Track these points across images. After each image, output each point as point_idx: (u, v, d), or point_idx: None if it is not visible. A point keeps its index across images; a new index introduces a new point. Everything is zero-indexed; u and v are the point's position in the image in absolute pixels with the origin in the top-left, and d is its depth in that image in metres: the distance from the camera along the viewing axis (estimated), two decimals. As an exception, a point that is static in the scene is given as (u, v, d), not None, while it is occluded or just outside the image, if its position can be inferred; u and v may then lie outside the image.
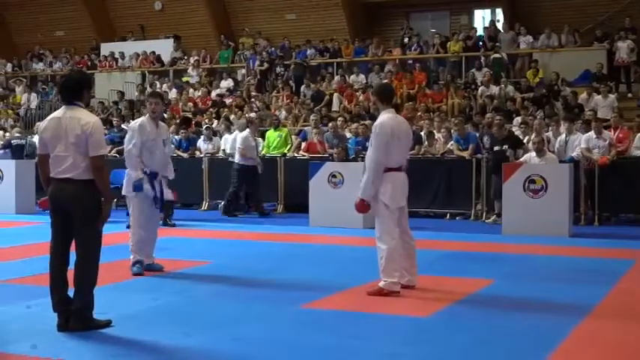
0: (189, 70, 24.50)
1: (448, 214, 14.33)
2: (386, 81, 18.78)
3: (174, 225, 12.81)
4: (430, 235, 11.27)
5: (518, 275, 8.28)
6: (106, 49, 27.21)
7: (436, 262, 9.05)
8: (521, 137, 13.78)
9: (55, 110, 24.07)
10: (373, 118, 18.10)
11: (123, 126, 17.46)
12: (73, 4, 28.03)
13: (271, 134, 16.35)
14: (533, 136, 13.08)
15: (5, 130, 19.13)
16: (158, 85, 23.74)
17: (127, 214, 12.33)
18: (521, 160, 12.40)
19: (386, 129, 7.03)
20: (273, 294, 7.20)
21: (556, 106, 17.41)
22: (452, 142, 14.59)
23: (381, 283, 7.00)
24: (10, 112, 24.41)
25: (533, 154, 12.33)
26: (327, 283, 7.64)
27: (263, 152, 15.72)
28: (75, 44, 28.23)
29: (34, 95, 25.46)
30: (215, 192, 15.90)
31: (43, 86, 26.28)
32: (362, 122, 16.17)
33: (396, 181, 7.13)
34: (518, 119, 15.99)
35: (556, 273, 8.45)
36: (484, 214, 13.71)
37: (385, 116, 7.17)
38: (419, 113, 17.52)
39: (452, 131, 14.82)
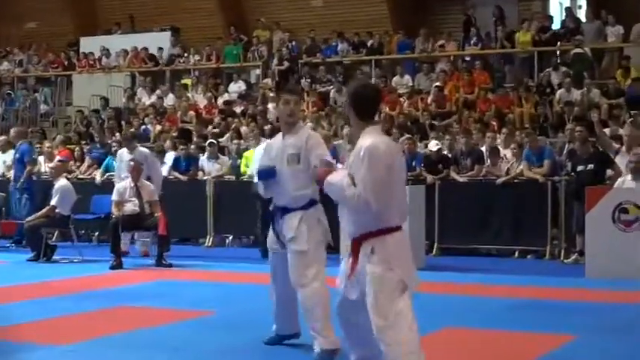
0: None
1: (517, 252, 14.26)
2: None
3: (170, 265, 12.88)
4: (495, 278, 11.19)
5: (606, 329, 8.22)
6: (86, 44, 27.49)
7: (504, 313, 9.05)
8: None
9: (22, 121, 23.86)
10: (421, 130, 18.16)
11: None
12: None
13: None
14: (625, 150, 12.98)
15: None
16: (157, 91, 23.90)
17: (112, 252, 12.52)
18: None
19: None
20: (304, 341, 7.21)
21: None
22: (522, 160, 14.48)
23: None
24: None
25: (629, 176, 12.23)
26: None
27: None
28: (49, 39, 28.58)
29: (-4, 102, 25.74)
30: (222, 223, 15.94)
31: (9, 91, 26.46)
32: (407, 136, 16.12)
33: None
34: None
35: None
36: (562, 251, 13.64)
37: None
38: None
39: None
